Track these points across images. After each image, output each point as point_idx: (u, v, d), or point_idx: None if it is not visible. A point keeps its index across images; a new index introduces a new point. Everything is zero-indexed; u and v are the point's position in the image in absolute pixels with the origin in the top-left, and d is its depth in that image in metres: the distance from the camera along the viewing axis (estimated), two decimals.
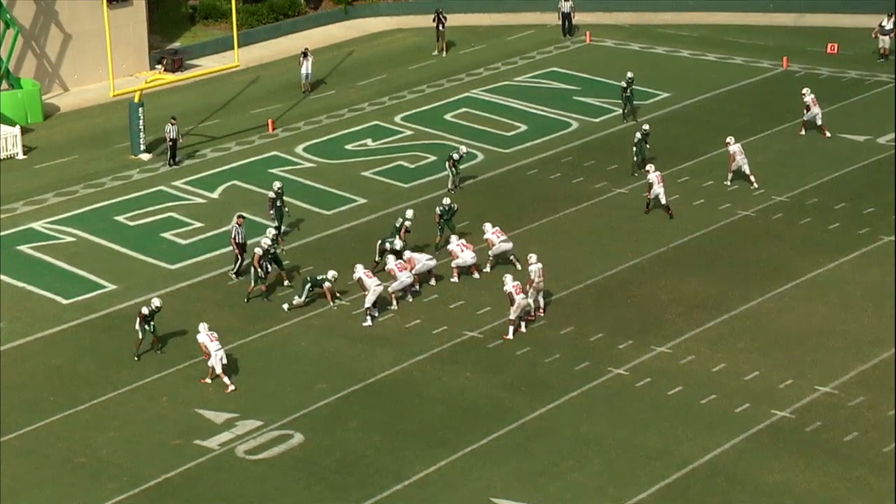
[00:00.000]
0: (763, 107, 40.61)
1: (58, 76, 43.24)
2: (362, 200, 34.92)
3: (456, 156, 34.83)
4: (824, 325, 27.90)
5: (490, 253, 30.19)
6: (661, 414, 24.79)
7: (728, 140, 34.81)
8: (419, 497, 22.67)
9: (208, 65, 44.32)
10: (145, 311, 26.95)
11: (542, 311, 28.11)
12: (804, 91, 38.38)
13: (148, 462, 23.66)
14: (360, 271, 28.38)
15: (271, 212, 31.97)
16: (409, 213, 30.99)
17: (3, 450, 24.14)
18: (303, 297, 28.67)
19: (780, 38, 47.03)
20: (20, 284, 30.49)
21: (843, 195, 34.04)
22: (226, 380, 25.89)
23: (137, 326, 26.94)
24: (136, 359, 26.95)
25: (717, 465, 23.25)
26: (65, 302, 29.74)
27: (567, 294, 29.27)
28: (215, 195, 35.43)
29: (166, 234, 33.10)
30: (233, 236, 30.26)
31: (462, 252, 29.86)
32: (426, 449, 23.86)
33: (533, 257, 28.09)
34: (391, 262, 29.22)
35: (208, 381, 26.04)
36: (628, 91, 39.17)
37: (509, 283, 27.19)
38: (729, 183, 34.51)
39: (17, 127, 38.84)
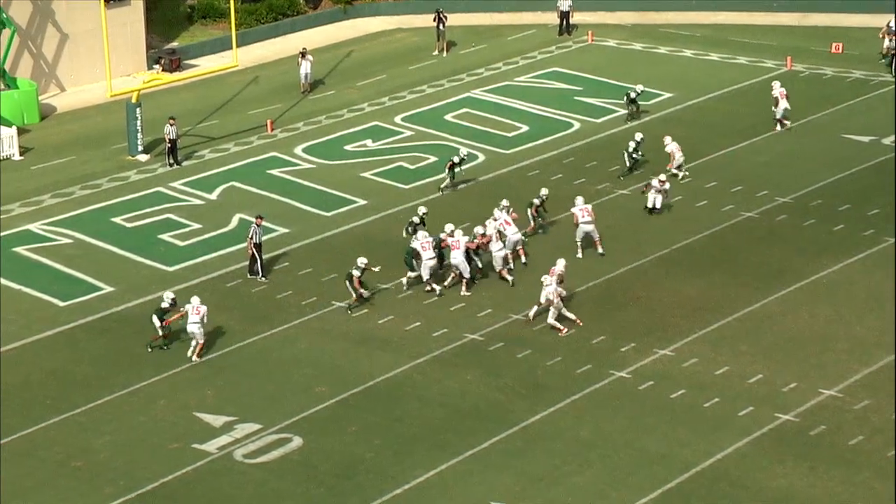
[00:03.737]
0: (767, 107, 40.54)
1: (55, 76, 43.26)
2: (362, 202, 34.92)
3: (456, 159, 34.78)
4: (829, 327, 27.88)
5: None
6: (664, 417, 24.77)
7: (665, 140, 35.10)
8: (419, 501, 22.64)
9: (206, 65, 44.34)
10: (165, 305, 27.24)
11: (562, 330, 27.59)
12: (773, 84, 38.54)
13: (145, 466, 23.64)
14: (420, 240, 29.04)
15: (407, 234, 30.97)
16: (544, 192, 32.09)
17: None
18: (354, 295, 28.76)
19: (784, 37, 47.05)
20: (16, 286, 30.48)
21: (848, 196, 34.02)
22: (191, 349, 26.78)
23: (155, 320, 27.19)
24: (148, 350, 27.16)
25: (721, 469, 23.23)
26: (61, 304, 29.72)
27: (568, 296, 29.23)
28: (214, 196, 35.43)
29: (164, 236, 33.09)
30: (250, 236, 30.19)
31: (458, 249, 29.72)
32: (426, 452, 23.85)
33: (547, 279, 27.86)
34: (420, 238, 29.31)
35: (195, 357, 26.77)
36: (635, 101, 39.22)
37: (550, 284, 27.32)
38: (682, 174, 34.66)
39: (14, 127, 38.84)
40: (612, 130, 39.18)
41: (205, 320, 26.98)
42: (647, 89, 40.33)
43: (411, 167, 37.01)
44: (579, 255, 30.66)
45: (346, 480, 23.18)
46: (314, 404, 25.45)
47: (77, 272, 31.23)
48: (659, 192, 32.64)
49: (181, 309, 27.16)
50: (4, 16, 40.86)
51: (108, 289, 30.37)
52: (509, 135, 39.21)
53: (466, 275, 29.31)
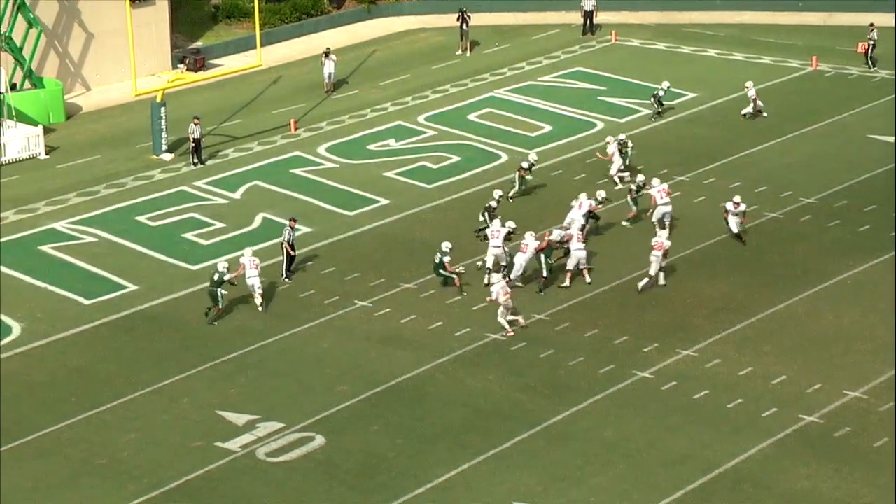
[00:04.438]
0: (791, 107, 40.42)
1: (80, 76, 43.48)
2: (385, 201, 34.95)
3: (525, 164, 34.30)
4: (853, 328, 27.72)
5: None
6: (687, 418, 24.69)
7: (608, 139, 35.25)
8: (441, 501, 22.64)
9: (231, 64, 44.48)
10: (222, 269, 28.31)
11: (520, 321, 27.71)
12: (747, 84, 38.66)
13: (168, 464, 23.73)
14: (491, 227, 29.64)
15: (483, 219, 31.32)
16: (641, 178, 32.42)
17: (24, 451, 24.24)
18: (455, 277, 29.29)
19: (810, 37, 46.81)
20: (42, 284, 30.64)
21: (873, 197, 33.81)
22: (257, 300, 28.54)
23: (220, 292, 28.26)
24: (213, 324, 28.35)
25: (744, 471, 23.14)
26: (86, 302, 29.86)
27: (592, 296, 29.20)
28: (237, 195, 35.52)
29: (188, 235, 33.20)
30: (286, 239, 30.23)
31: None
32: (448, 452, 23.84)
33: (496, 276, 27.93)
34: (492, 226, 29.88)
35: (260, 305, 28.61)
36: (661, 99, 39.13)
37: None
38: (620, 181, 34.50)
39: (40, 127, 39.06)
40: (635, 130, 39.02)
41: (259, 269, 28.81)
42: (671, 89, 40.19)
43: (434, 167, 37.01)
44: (658, 234, 30.76)
45: (367, 479, 23.20)
46: (336, 403, 25.48)
47: (102, 270, 31.37)
48: (735, 214, 31.16)
49: (240, 265, 28.72)
50: (31, 16, 41.08)
51: (133, 287, 30.49)
52: (532, 135, 39.16)
53: (513, 277, 29.04)
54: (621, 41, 47.25)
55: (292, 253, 30.30)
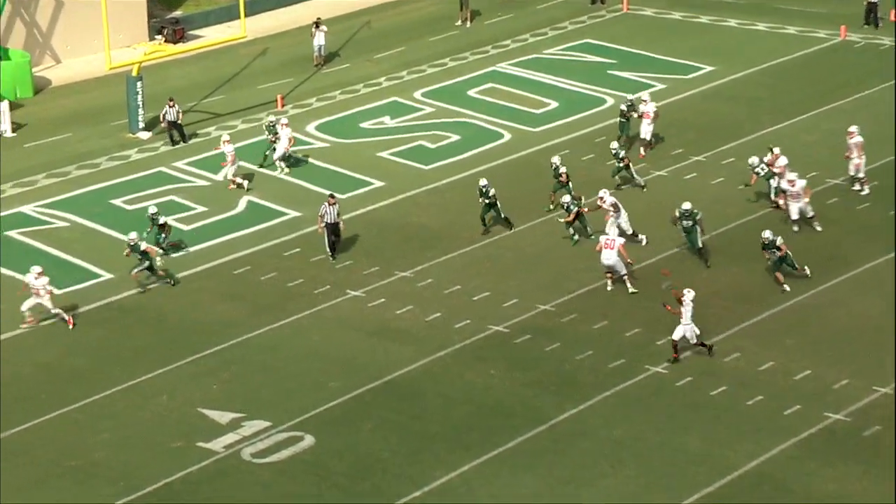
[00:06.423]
0: (818, 81, 40.43)
1: (49, 47, 43.46)
2: (379, 183, 34.97)
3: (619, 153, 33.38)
4: (883, 319, 27.76)
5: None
6: (703, 416, 24.76)
7: (851, 130, 32.91)
8: None
9: (212, 35, 44.49)
10: (160, 219, 30.63)
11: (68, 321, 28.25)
12: (644, 97, 35.75)
13: (146, 465, 23.78)
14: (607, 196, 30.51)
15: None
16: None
17: None
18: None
19: (838, 4, 46.78)
20: (8, 273, 30.65)
21: None
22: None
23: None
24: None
25: (765, 472, 23.21)
26: (57, 292, 29.83)
27: (601, 285, 29.23)
28: (220, 177, 35.52)
29: (167, 219, 33.17)
30: (320, 214, 30.31)
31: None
32: (448, 452, 23.91)
33: (35, 269, 28.06)
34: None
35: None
36: (626, 117, 35.82)
37: None
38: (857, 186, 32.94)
39: (6, 102, 39.06)
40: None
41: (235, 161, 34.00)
42: (686, 62, 40.06)
43: (432, 146, 37.04)
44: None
45: (360, 482, 23.26)
46: (327, 400, 25.53)
47: (74, 258, 31.41)
48: (794, 197, 30.48)
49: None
50: None
51: (107, 276, 30.52)
52: (537, 112, 39.19)
53: (624, 271, 28.65)
54: (633, 10, 47.23)
55: (329, 232, 30.25)
